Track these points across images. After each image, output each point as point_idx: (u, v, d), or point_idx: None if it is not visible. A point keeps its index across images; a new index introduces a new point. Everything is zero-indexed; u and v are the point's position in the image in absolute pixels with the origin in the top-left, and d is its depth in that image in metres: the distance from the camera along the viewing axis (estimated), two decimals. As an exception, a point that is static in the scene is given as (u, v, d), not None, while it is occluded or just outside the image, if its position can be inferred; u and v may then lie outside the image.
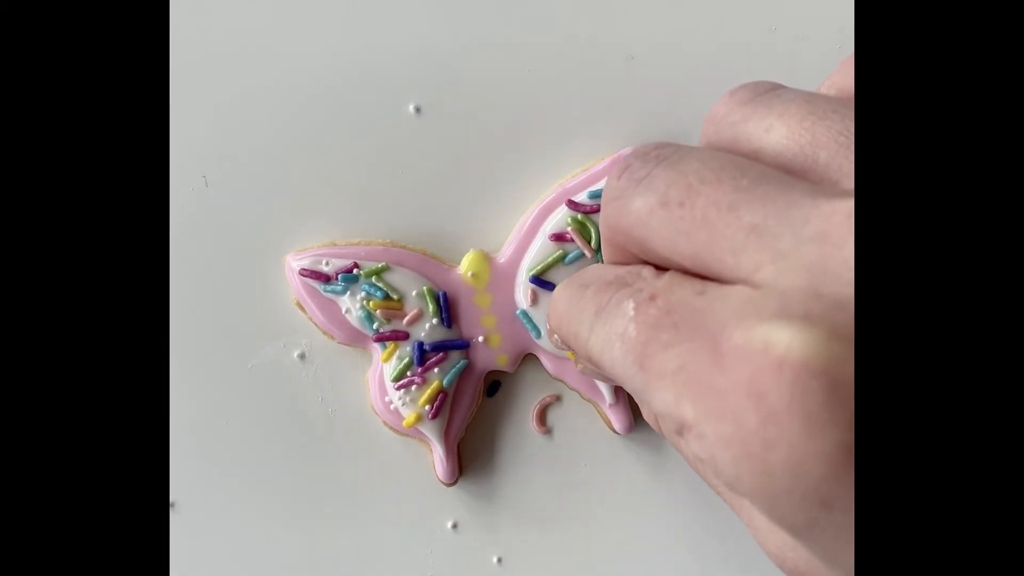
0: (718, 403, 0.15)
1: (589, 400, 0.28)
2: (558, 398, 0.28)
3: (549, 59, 0.27)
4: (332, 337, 0.27)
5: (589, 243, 0.26)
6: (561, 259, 0.27)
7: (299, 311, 0.27)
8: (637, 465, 0.28)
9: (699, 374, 0.15)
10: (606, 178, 0.18)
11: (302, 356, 0.28)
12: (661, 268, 0.18)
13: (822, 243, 0.15)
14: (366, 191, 0.27)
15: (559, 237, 0.27)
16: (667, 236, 0.17)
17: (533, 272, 0.27)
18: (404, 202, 0.28)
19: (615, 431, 0.28)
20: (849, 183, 0.16)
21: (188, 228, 0.27)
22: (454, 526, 0.28)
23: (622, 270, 0.18)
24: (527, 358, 0.28)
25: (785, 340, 0.14)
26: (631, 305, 0.17)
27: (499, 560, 0.28)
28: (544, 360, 0.28)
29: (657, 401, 0.16)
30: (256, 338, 0.28)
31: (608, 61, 0.27)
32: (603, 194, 0.19)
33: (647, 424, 0.28)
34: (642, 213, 0.17)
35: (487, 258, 0.27)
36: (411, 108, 0.27)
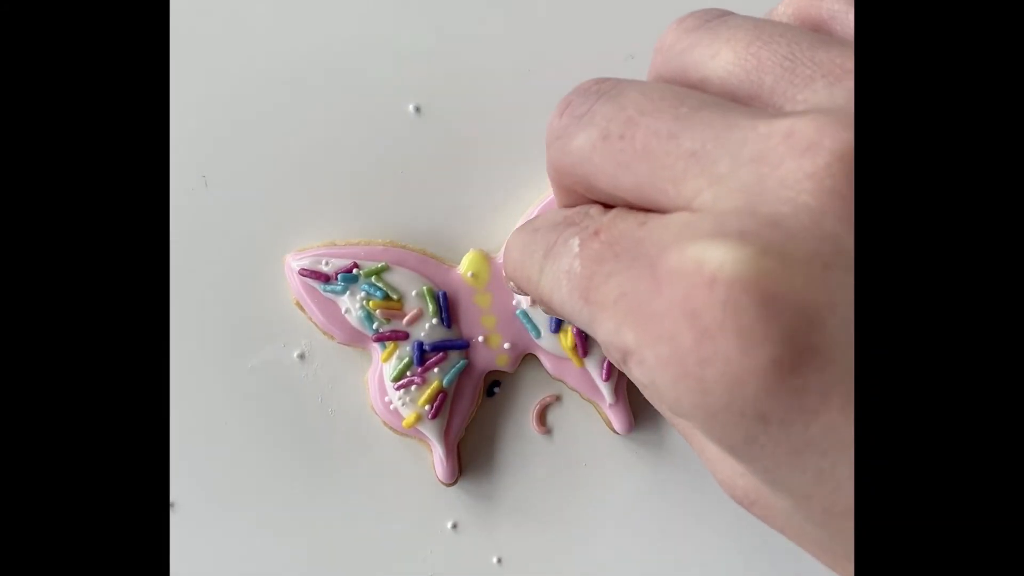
0: (656, 326, 0.15)
1: (589, 400, 0.28)
2: (558, 398, 0.28)
3: (549, 59, 0.27)
4: (332, 337, 0.27)
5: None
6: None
7: (299, 311, 0.27)
8: (637, 465, 0.28)
9: (638, 300, 0.15)
10: (548, 120, 0.19)
11: (302, 356, 0.28)
12: (609, 206, 0.18)
13: (759, 164, 0.15)
14: (366, 191, 0.27)
15: (559, 237, 0.27)
16: (609, 171, 0.17)
17: (533, 272, 0.27)
18: (404, 202, 0.28)
19: (615, 431, 0.28)
20: (792, 107, 0.16)
21: (188, 228, 0.27)
22: (454, 526, 0.28)
23: (571, 211, 0.18)
24: (527, 358, 0.28)
25: (717, 258, 0.14)
26: (576, 242, 0.17)
27: (499, 560, 0.28)
28: (544, 360, 0.28)
29: (601, 332, 0.16)
30: (256, 338, 0.28)
31: (608, 61, 0.27)
32: (546, 135, 0.19)
33: (647, 424, 0.28)
34: (584, 149, 0.17)
35: (487, 258, 0.27)
36: (411, 108, 0.27)
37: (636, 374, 0.16)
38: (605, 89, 0.18)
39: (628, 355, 0.16)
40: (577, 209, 0.18)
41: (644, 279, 0.15)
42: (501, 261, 0.27)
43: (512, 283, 0.21)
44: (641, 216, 0.17)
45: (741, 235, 0.14)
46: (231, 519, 0.28)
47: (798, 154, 0.15)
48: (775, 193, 0.15)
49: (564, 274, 0.17)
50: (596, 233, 0.17)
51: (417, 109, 0.27)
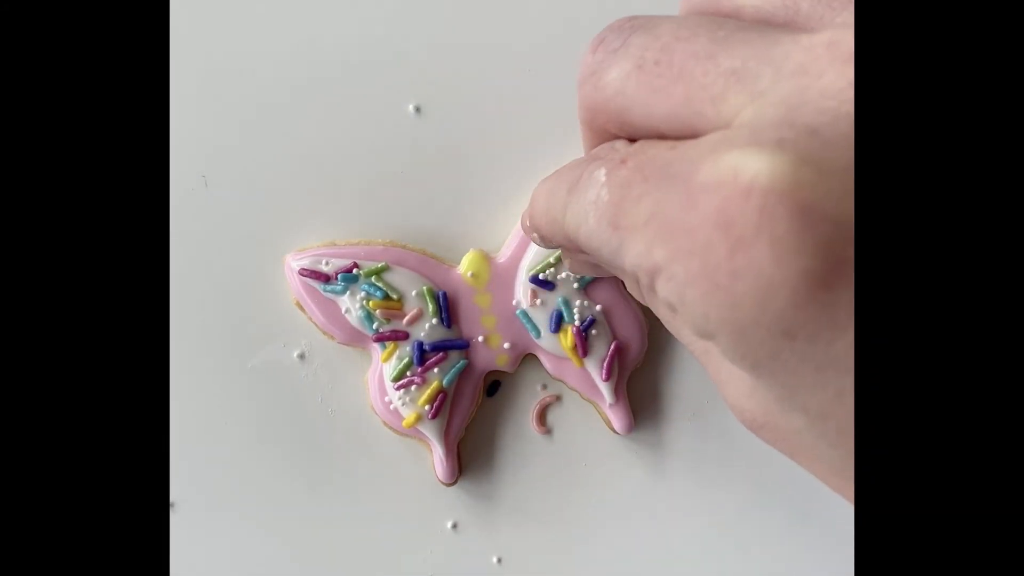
0: (687, 240, 0.15)
1: (589, 400, 0.28)
2: (558, 398, 0.28)
3: (549, 59, 0.27)
4: (332, 337, 0.27)
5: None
6: (561, 259, 0.27)
7: (299, 311, 0.27)
8: (637, 465, 0.28)
9: (669, 217, 0.15)
10: (582, 60, 0.18)
11: (302, 356, 0.28)
12: (635, 141, 0.18)
13: (801, 76, 0.15)
14: (366, 191, 0.27)
15: (559, 237, 0.27)
16: (644, 99, 0.17)
17: (533, 272, 0.27)
18: (404, 202, 0.28)
19: (615, 431, 0.28)
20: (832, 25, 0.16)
21: (188, 228, 0.27)
22: (454, 526, 0.28)
23: (596, 150, 0.18)
24: (527, 358, 0.28)
25: (754, 167, 0.14)
26: (603, 172, 0.17)
27: (499, 560, 0.28)
28: (544, 360, 0.28)
29: (630, 256, 0.16)
30: (256, 338, 0.28)
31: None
32: (578, 75, 0.18)
33: (647, 424, 0.28)
34: (618, 81, 0.17)
35: (487, 258, 0.27)
36: (411, 108, 0.27)
37: (664, 293, 0.15)
38: (639, 23, 0.17)
39: (657, 274, 0.15)
40: (603, 145, 0.18)
41: (676, 195, 0.15)
42: (503, 262, 0.27)
43: (536, 235, 0.21)
44: (671, 142, 0.16)
45: (779, 144, 0.14)
46: (231, 519, 0.28)
47: (841, 63, 0.14)
48: (815, 104, 0.14)
49: (591, 204, 0.17)
50: (623, 161, 0.16)
51: (417, 109, 0.27)
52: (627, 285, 0.19)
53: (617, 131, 0.18)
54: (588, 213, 0.17)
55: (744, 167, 0.14)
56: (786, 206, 0.13)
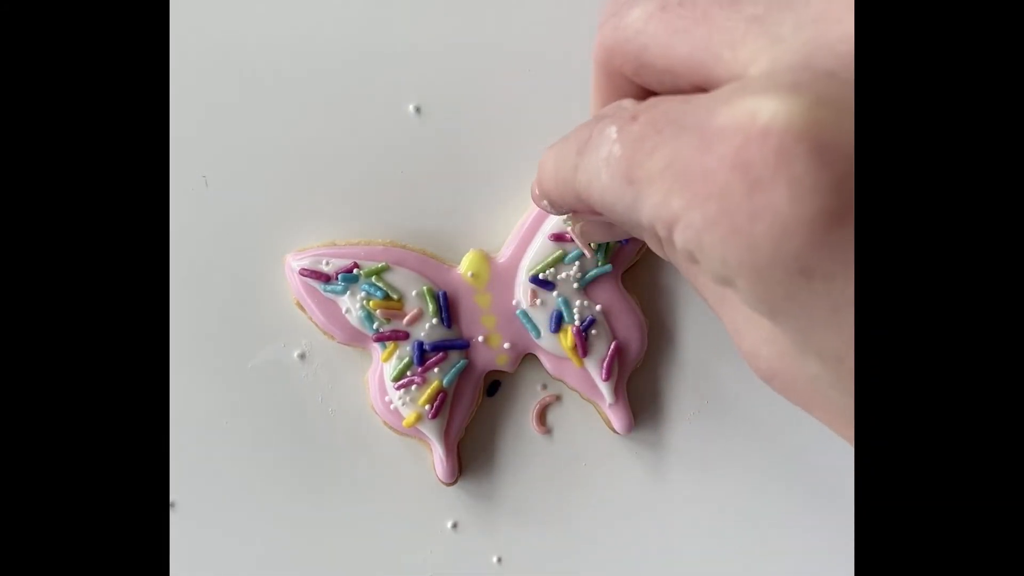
0: (705, 185, 0.15)
1: (589, 400, 0.28)
2: (558, 398, 0.28)
3: (549, 59, 0.27)
4: (332, 337, 0.27)
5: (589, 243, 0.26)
6: (561, 259, 0.27)
7: (299, 311, 0.27)
8: (637, 465, 0.28)
9: (685, 164, 0.15)
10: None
11: (302, 356, 0.28)
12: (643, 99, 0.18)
13: (820, 23, 0.15)
14: (366, 191, 0.27)
15: (559, 237, 0.27)
16: (664, 40, 0.17)
17: (533, 272, 0.27)
18: (404, 202, 0.28)
19: (615, 431, 0.28)
20: None
21: (188, 228, 0.27)
22: (454, 526, 0.28)
23: (603, 110, 0.18)
24: (527, 358, 0.28)
25: (771, 108, 0.14)
26: (613, 129, 0.17)
27: (499, 560, 0.28)
28: (544, 360, 0.28)
29: (647, 209, 0.16)
30: (256, 338, 0.28)
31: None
32: (600, 18, 0.19)
33: (647, 424, 0.28)
34: (640, 20, 0.17)
35: (487, 258, 0.27)
36: (411, 108, 0.27)
37: (682, 241, 0.15)
38: None
39: (675, 223, 0.15)
40: (610, 105, 0.18)
41: (692, 143, 0.15)
42: (503, 262, 0.27)
43: (545, 202, 0.21)
44: (684, 96, 0.16)
45: (796, 86, 0.14)
46: (231, 519, 0.28)
47: None
48: (833, 48, 0.15)
49: (603, 161, 0.17)
50: (634, 117, 0.16)
51: (417, 109, 0.27)
52: (649, 242, 0.19)
53: (632, 73, 0.18)
54: (600, 170, 0.17)
55: (761, 109, 0.14)
56: (803, 146, 0.14)
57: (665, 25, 0.17)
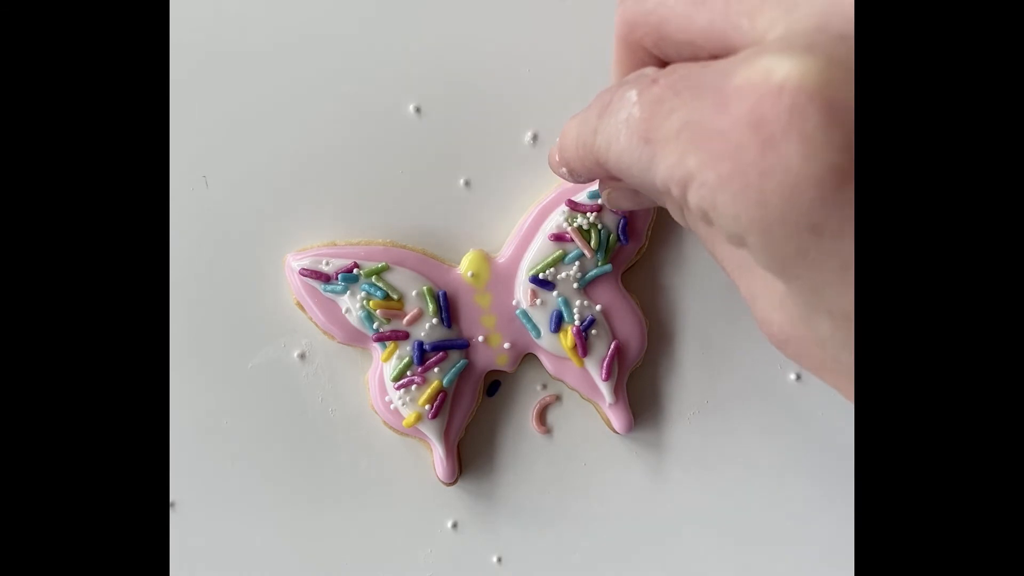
0: (720, 143, 0.15)
1: (589, 400, 0.28)
2: (558, 398, 0.28)
3: (549, 59, 0.27)
4: (332, 337, 0.27)
5: (588, 243, 0.26)
6: (561, 259, 0.27)
7: (299, 311, 0.27)
8: (637, 465, 0.28)
9: (701, 124, 0.15)
10: None
11: (302, 356, 0.28)
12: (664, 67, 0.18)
13: None
14: (366, 191, 0.27)
15: (559, 237, 0.27)
16: (683, 11, 0.18)
17: (533, 272, 0.27)
18: (404, 202, 0.28)
19: (615, 431, 0.28)
20: None
21: (188, 228, 0.27)
22: (454, 526, 0.28)
23: (626, 78, 0.19)
24: (527, 358, 0.28)
25: (785, 67, 0.14)
26: (634, 92, 0.17)
27: (499, 560, 0.28)
28: (544, 360, 0.28)
29: (662, 169, 0.16)
30: (256, 338, 0.28)
31: (608, 61, 0.27)
32: None
33: (647, 424, 0.28)
34: None
35: (487, 258, 0.27)
36: (411, 108, 0.27)
37: (696, 200, 0.16)
38: None
39: (689, 183, 0.16)
40: (632, 74, 0.19)
41: (709, 103, 0.15)
42: (503, 262, 0.27)
43: (565, 169, 0.21)
44: (704, 62, 0.17)
45: (810, 47, 0.15)
46: (231, 519, 0.28)
47: None
48: (847, 13, 0.15)
49: (622, 123, 0.17)
50: (654, 81, 0.17)
51: (417, 109, 0.27)
52: (667, 206, 0.20)
53: (652, 45, 0.19)
54: (619, 132, 0.17)
55: (776, 68, 0.14)
56: (815, 104, 0.14)
57: None
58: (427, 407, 0.27)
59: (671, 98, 0.16)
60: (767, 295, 0.19)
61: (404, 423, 0.27)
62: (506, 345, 0.27)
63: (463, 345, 0.27)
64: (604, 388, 0.27)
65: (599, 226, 0.27)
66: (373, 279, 0.26)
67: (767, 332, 0.19)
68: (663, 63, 0.19)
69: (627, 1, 0.19)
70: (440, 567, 0.28)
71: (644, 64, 0.19)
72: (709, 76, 0.16)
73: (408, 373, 0.27)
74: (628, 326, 0.27)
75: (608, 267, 0.27)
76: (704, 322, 0.28)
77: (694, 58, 0.18)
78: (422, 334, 0.27)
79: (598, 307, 0.27)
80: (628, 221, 0.27)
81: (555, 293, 0.27)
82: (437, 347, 0.27)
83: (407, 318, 0.27)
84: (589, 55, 0.27)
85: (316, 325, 0.27)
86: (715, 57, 0.17)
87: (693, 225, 0.19)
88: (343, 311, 0.27)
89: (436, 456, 0.27)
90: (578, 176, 0.21)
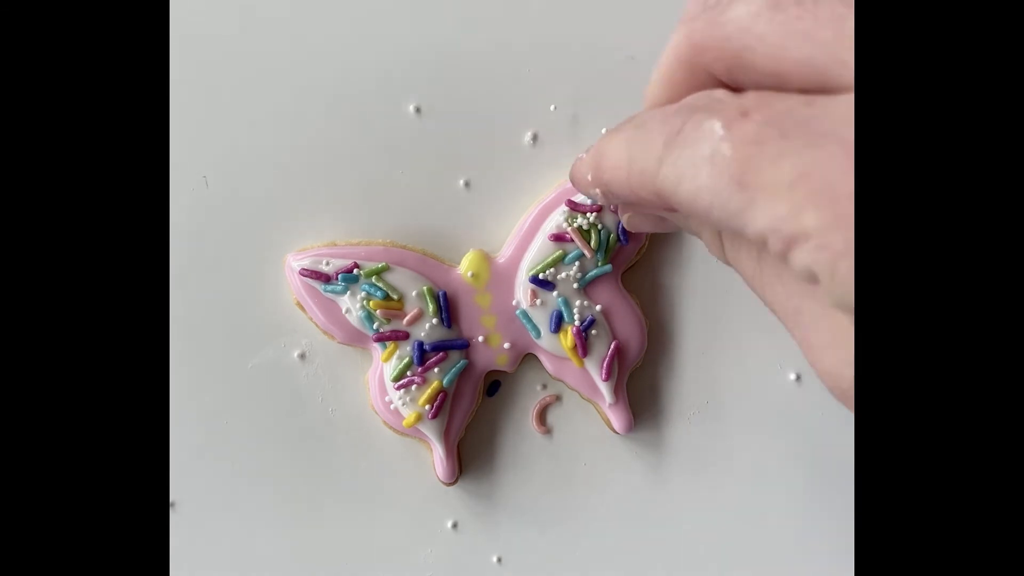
0: (850, 208, 0.14)
1: (589, 400, 0.28)
2: (558, 398, 0.28)
3: (549, 59, 0.27)
4: (332, 337, 0.27)
5: (588, 243, 0.26)
6: (561, 259, 0.27)
7: (299, 311, 0.27)
8: (637, 465, 0.28)
9: (827, 180, 0.14)
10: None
11: (302, 356, 0.28)
12: (735, 91, 0.17)
13: None
14: (366, 191, 0.27)
15: (559, 237, 0.27)
16: (776, 41, 0.16)
17: (533, 272, 0.27)
18: (404, 202, 0.28)
19: (615, 431, 0.28)
20: None
21: (188, 228, 0.27)
22: (454, 526, 0.28)
23: (688, 99, 0.17)
24: (527, 358, 0.28)
25: None
26: (718, 124, 0.15)
27: (499, 560, 0.28)
28: (544, 360, 0.28)
29: (764, 217, 0.15)
30: (256, 338, 0.28)
31: (608, 61, 0.27)
32: (689, 11, 0.17)
33: (647, 424, 0.28)
34: (746, 18, 0.16)
35: (487, 258, 0.27)
36: (411, 108, 0.27)
37: (807, 261, 0.15)
38: None
39: (802, 240, 0.14)
40: (697, 96, 0.17)
41: (831, 157, 0.14)
42: (503, 262, 0.27)
43: (597, 190, 0.19)
44: (805, 96, 0.15)
45: None
46: (231, 519, 0.28)
47: None
48: None
49: (704, 160, 0.16)
50: (744, 114, 0.15)
51: (417, 109, 0.27)
52: (706, 239, 0.18)
53: (723, 72, 0.17)
54: (699, 168, 0.16)
55: None
56: None
57: (778, 27, 0.16)
58: (427, 407, 0.27)
59: (776, 140, 0.15)
60: (836, 350, 0.17)
61: (404, 423, 0.27)
62: (506, 345, 0.27)
63: (463, 345, 0.27)
64: (604, 388, 0.27)
65: (599, 226, 0.27)
66: (373, 279, 0.26)
67: (831, 383, 0.18)
68: (723, 84, 0.18)
69: (698, 22, 0.17)
70: (440, 567, 0.28)
71: (703, 86, 0.17)
72: (825, 121, 0.15)
73: (408, 373, 0.27)
74: (628, 326, 0.27)
75: (608, 267, 0.27)
76: (704, 322, 0.28)
77: (778, 89, 0.16)
78: (422, 334, 0.27)
79: (598, 307, 0.27)
80: (628, 221, 0.27)
81: (555, 293, 0.27)
82: (437, 347, 0.27)
83: (407, 318, 0.27)
84: (589, 55, 0.27)
85: (316, 325, 0.27)
86: (804, 90, 0.16)
87: (754, 272, 0.18)
88: (343, 311, 0.27)
89: (436, 456, 0.27)
90: (615, 199, 0.19)
